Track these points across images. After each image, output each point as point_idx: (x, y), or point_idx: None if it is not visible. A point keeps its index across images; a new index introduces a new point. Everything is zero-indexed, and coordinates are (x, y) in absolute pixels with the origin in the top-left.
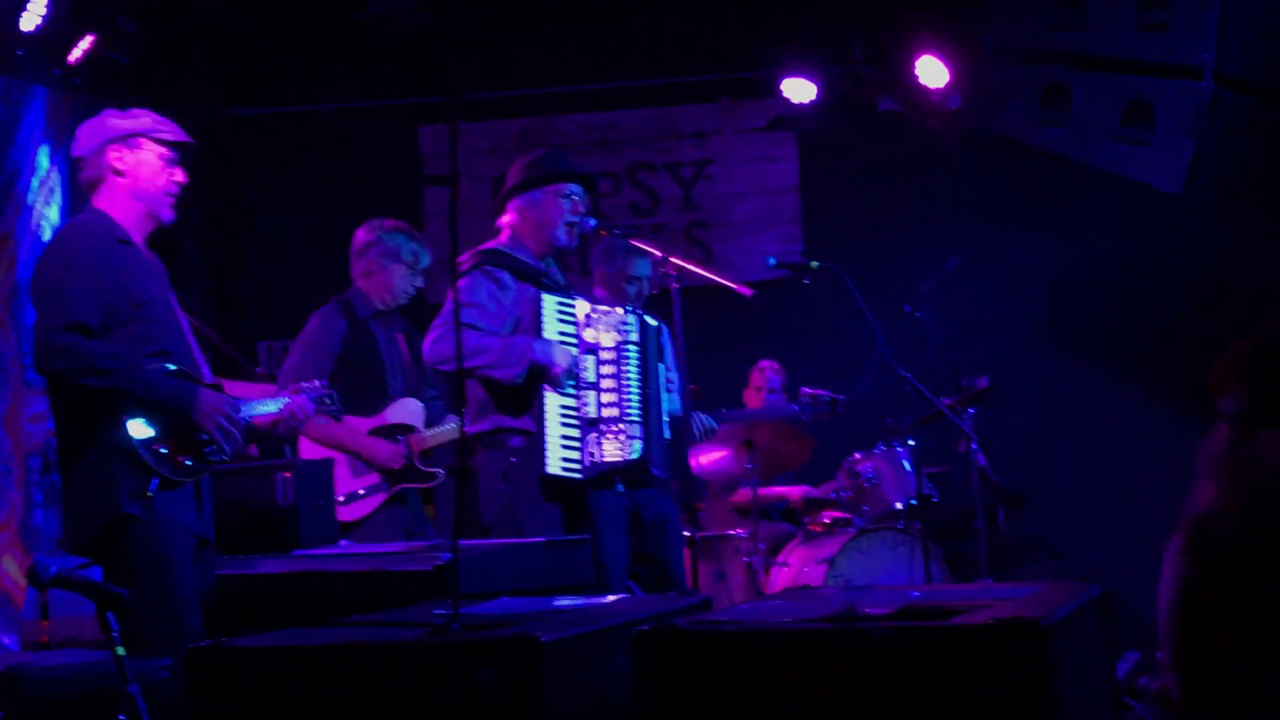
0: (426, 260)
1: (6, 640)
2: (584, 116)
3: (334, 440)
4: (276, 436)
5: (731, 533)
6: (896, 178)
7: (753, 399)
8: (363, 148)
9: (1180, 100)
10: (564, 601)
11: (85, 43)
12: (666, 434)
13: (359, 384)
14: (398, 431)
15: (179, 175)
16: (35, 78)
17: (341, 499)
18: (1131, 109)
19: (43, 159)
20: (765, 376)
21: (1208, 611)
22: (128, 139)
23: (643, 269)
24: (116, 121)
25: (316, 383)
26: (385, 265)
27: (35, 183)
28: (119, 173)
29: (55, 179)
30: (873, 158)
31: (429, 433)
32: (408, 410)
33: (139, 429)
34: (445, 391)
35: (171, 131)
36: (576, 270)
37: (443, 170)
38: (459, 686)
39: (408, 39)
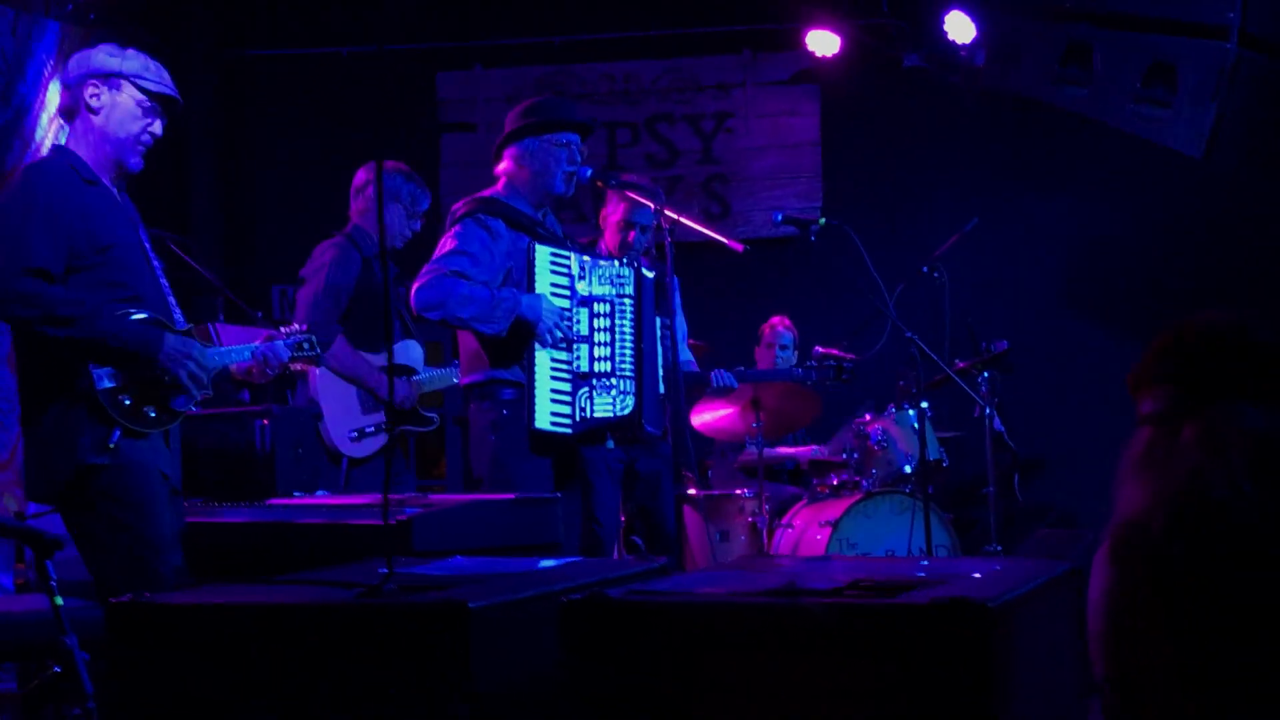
0: (425, 204)
1: (4, 580)
2: (604, 66)
3: (352, 373)
4: (252, 383)
5: (737, 492)
6: (919, 135)
7: (764, 356)
8: (380, 92)
9: (1203, 61)
10: (517, 563)
11: None
12: (660, 389)
13: (366, 322)
14: (402, 372)
15: (155, 127)
16: (46, 11)
17: (353, 435)
18: (1153, 70)
19: (53, 94)
20: (777, 333)
21: (1144, 613)
22: (109, 77)
23: (645, 217)
24: (104, 58)
25: (296, 326)
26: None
27: (45, 118)
28: (92, 110)
29: None
30: (896, 114)
31: (426, 377)
32: (410, 352)
33: (101, 379)
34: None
35: (157, 81)
36: (592, 219)
37: (461, 117)
38: (385, 650)
39: None
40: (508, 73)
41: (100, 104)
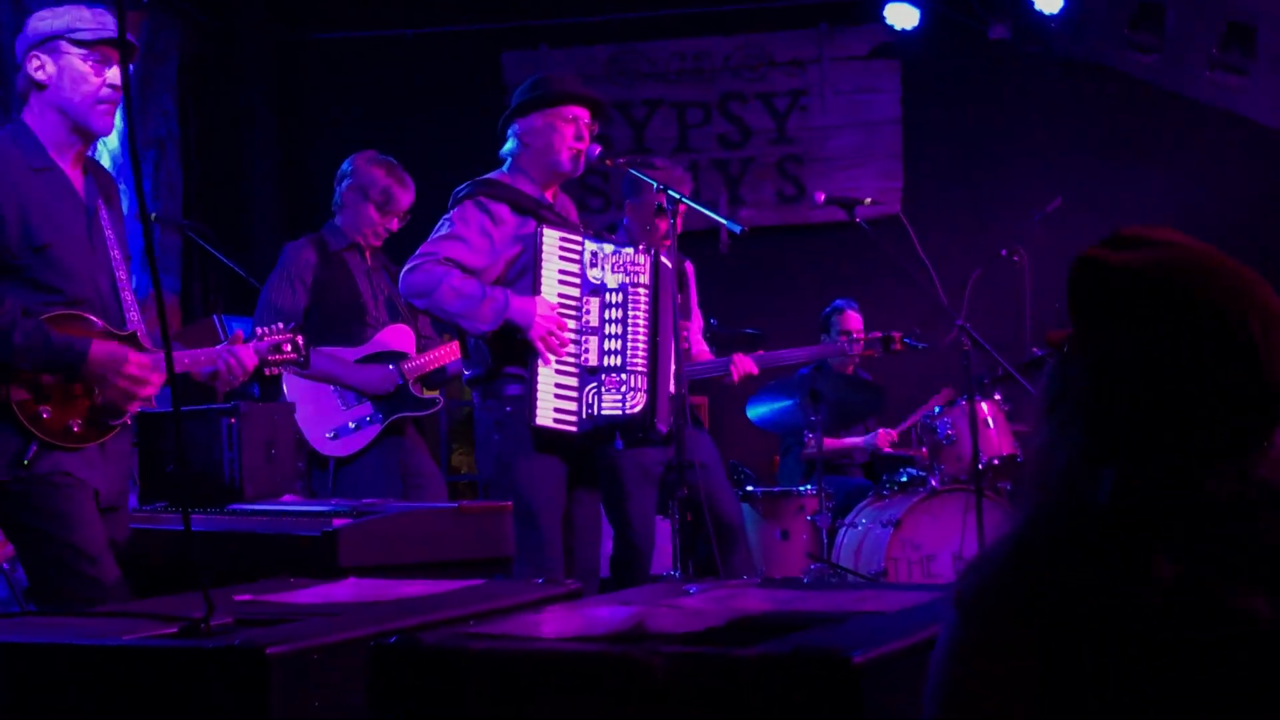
0: (405, 202)
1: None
2: (673, 43)
3: (324, 373)
4: (221, 387)
5: (797, 489)
6: (1003, 111)
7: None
8: (445, 74)
9: None
10: (414, 586)
11: None
12: (672, 385)
13: (338, 314)
14: (389, 359)
15: (111, 76)
16: None
17: (330, 434)
18: (1230, 33)
19: None
20: (846, 318)
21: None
22: (45, 43)
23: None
24: (37, 24)
25: (278, 326)
26: (354, 201)
27: None
28: (40, 84)
29: None
30: (979, 89)
31: (424, 356)
32: (399, 336)
33: (17, 392)
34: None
35: (93, 28)
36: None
37: None
38: (180, 696)
39: None
40: (574, 52)
41: (46, 75)
